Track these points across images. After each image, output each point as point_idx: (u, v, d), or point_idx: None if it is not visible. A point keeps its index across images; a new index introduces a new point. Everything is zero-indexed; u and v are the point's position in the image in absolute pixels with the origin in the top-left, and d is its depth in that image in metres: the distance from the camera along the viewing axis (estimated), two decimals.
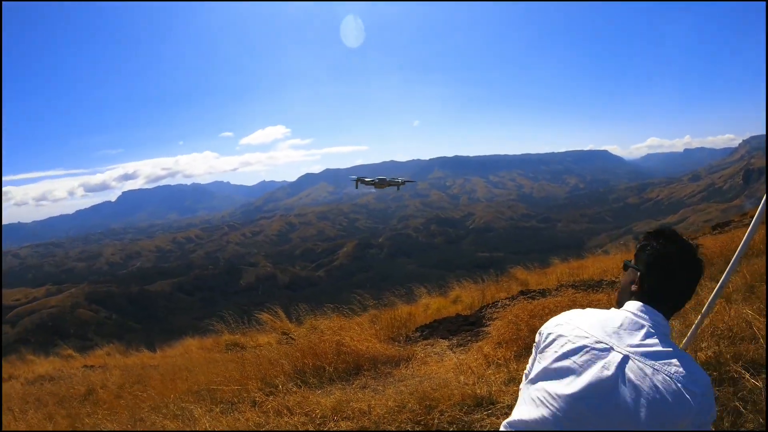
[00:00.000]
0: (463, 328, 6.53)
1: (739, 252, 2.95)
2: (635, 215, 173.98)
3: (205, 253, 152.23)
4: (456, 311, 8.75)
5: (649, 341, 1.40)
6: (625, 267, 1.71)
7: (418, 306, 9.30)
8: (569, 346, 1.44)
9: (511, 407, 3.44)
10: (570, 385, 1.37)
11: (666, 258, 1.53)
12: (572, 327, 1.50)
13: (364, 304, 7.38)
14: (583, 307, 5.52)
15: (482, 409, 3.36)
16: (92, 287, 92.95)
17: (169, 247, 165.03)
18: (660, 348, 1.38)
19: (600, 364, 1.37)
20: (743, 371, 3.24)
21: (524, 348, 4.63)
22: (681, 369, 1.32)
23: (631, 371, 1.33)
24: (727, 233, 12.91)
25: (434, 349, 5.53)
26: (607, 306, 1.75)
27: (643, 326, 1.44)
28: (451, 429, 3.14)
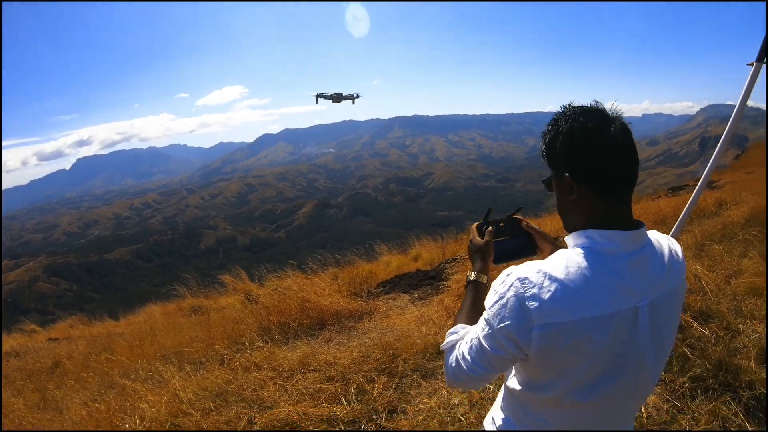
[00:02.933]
0: (423, 282, 6.70)
1: (686, 210, 3.24)
2: None
3: (163, 218, 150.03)
4: (416, 268, 8.95)
5: None
6: (548, 185, 1.32)
7: (378, 264, 9.40)
8: None
9: None
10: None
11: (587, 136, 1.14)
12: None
13: (324, 263, 7.41)
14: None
15: (443, 357, 3.52)
16: (50, 259, 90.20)
17: (127, 214, 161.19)
18: None
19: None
20: (691, 320, 3.49)
21: None
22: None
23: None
24: (681, 196, 13.58)
25: (396, 303, 5.68)
26: None
27: None
28: (415, 375, 3.32)
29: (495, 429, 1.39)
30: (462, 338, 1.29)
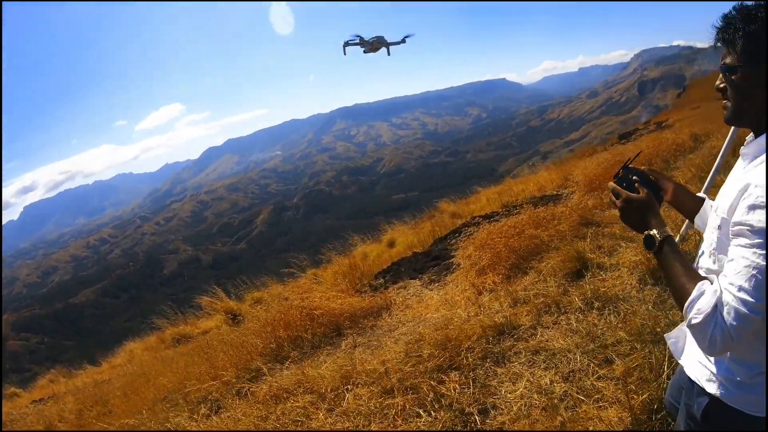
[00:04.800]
0: (427, 265, 6.25)
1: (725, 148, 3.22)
2: (539, 137, 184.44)
3: (122, 251, 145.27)
4: (398, 253, 8.58)
5: None
6: (729, 70, 1.18)
7: (354, 257, 8.91)
8: None
9: (532, 327, 3.32)
10: None
11: None
12: None
13: (301, 266, 6.95)
14: (546, 219, 5.39)
15: (508, 336, 3.09)
16: (15, 316, 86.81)
17: (85, 254, 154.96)
18: None
19: None
20: None
21: (510, 268, 4.43)
22: None
23: None
24: (636, 141, 13.78)
25: (409, 292, 5.20)
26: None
27: None
28: (487, 363, 2.83)
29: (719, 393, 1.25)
30: (719, 292, 1.09)
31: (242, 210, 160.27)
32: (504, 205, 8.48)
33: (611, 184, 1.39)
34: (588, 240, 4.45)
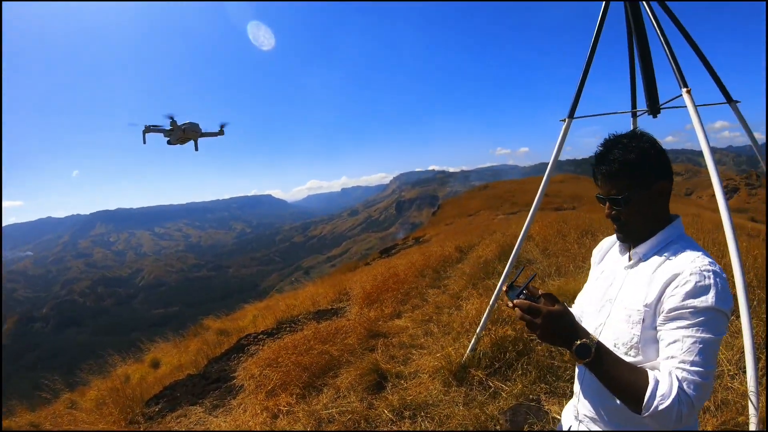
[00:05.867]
0: (207, 388, 5.59)
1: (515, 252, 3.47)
2: (302, 252, 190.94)
3: None
4: (165, 375, 7.88)
5: None
6: (625, 201, 1.42)
7: (113, 379, 7.61)
8: None
9: None
10: None
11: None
12: None
13: (54, 388, 5.71)
14: (331, 334, 5.41)
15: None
16: None
17: None
18: None
19: None
20: None
21: (304, 387, 4.20)
22: None
23: None
24: (396, 255, 15.23)
25: (191, 420, 4.54)
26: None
27: None
28: None
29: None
30: (672, 374, 1.22)
31: None
32: (279, 321, 8.22)
33: (519, 301, 1.35)
34: (380, 351, 4.54)
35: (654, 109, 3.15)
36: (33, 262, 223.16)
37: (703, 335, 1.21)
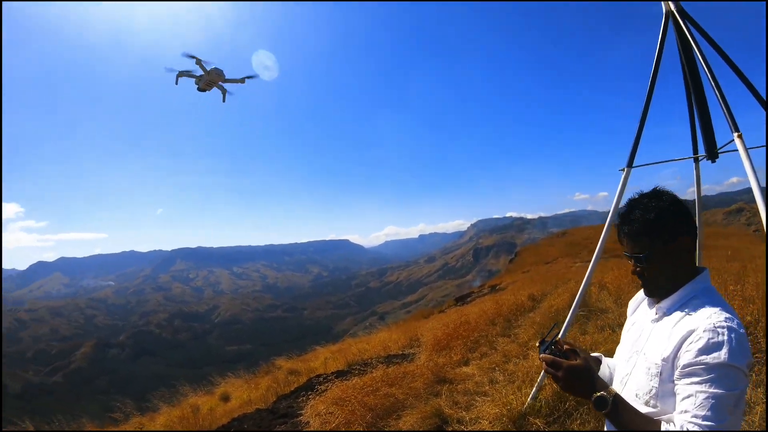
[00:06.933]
0: (274, 422, 5.82)
1: (571, 313, 3.53)
2: (377, 298, 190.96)
3: None
4: (233, 408, 8.03)
5: None
6: (646, 258, 1.52)
7: (183, 408, 8.03)
8: None
9: None
10: None
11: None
12: None
13: (125, 412, 6.14)
14: (399, 377, 5.48)
15: None
16: None
17: None
18: None
19: None
20: None
21: (367, 427, 4.31)
22: None
23: None
24: (471, 303, 15.01)
25: None
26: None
27: None
28: None
29: None
30: (683, 424, 1.30)
31: (63, 339, 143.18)
32: (349, 363, 8.38)
33: (544, 356, 1.53)
34: (444, 396, 4.56)
35: (712, 154, 3.19)
36: (114, 292, 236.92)
37: (715, 390, 1.27)
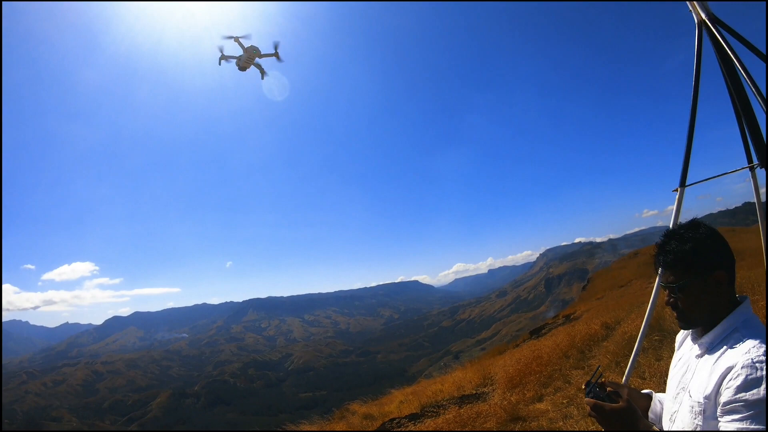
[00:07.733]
0: None
1: (634, 353, 3.47)
2: (451, 337, 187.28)
3: None
4: None
5: None
6: (680, 288, 1.55)
7: None
8: None
9: None
10: None
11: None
12: None
13: None
14: (471, 418, 5.42)
15: None
16: None
17: None
18: None
19: None
20: None
21: None
22: None
23: None
24: (546, 336, 14.61)
25: None
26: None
27: None
28: None
29: None
30: None
31: (139, 389, 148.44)
32: (423, 405, 8.32)
33: (588, 400, 1.65)
34: None
35: (765, 161, 3.04)
36: (188, 344, 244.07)
37: (755, 427, 1.30)
